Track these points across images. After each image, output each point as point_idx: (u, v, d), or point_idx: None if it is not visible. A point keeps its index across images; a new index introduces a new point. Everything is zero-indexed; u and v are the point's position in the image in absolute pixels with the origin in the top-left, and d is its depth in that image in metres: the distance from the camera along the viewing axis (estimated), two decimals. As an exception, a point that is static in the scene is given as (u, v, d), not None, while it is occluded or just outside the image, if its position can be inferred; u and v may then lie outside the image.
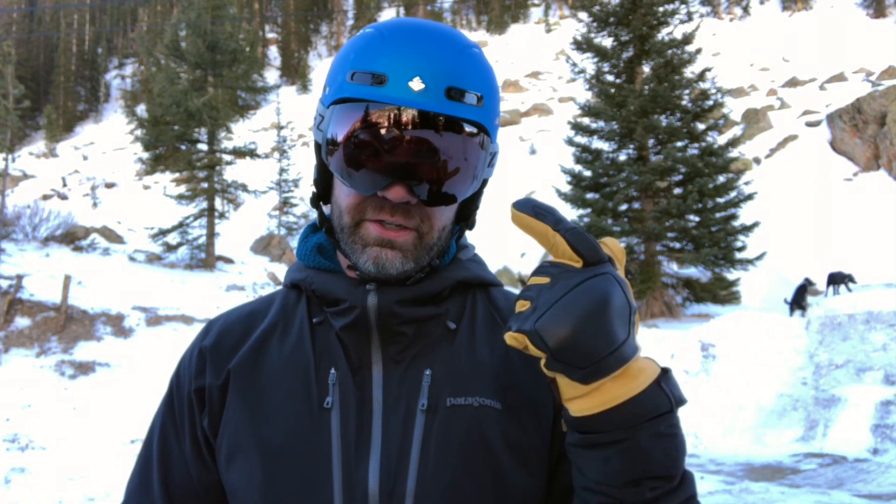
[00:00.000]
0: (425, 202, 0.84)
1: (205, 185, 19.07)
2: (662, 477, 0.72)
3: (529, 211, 0.75)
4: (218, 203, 20.64)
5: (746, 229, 14.91)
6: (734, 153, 17.72)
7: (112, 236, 20.32)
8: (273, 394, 0.89)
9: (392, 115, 0.80)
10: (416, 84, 0.80)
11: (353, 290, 0.89)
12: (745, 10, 60.49)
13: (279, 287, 1.03)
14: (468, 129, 0.83)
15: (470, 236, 1.04)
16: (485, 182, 0.91)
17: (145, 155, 19.87)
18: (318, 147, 0.90)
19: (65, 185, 38.86)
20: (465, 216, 0.94)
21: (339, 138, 0.83)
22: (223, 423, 0.91)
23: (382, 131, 0.80)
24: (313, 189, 0.95)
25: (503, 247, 20.80)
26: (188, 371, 0.95)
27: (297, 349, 0.91)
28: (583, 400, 0.72)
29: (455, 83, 0.81)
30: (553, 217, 0.74)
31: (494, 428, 0.86)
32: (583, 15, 17.16)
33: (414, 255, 0.87)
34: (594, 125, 16.53)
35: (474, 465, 0.85)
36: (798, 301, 13.28)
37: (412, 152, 0.81)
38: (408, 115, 0.80)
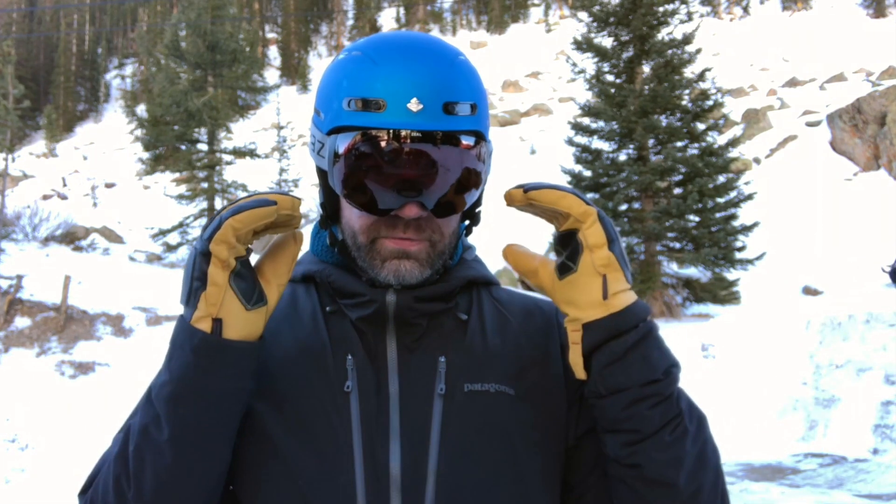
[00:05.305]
0: (436, 214, 0.87)
1: (205, 185, 19.07)
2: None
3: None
4: (218, 203, 20.61)
5: (746, 229, 14.89)
6: (734, 153, 17.68)
7: (112, 236, 20.33)
8: (289, 379, 0.90)
9: (396, 139, 0.83)
10: (414, 105, 0.82)
11: (371, 288, 0.93)
12: (745, 10, 60.46)
13: None
14: (467, 139, 0.86)
15: (471, 237, 1.07)
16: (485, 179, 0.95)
17: (145, 155, 19.89)
18: (320, 172, 0.92)
19: (65, 185, 38.78)
20: (471, 214, 0.98)
21: (346, 166, 0.85)
22: None
23: (387, 155, 0.83)
24: (320, 211, 0.98)
25: (503, 247, 20.77)
26: None
27: (312, 336, 0.93)
28: (626, 294, 0.84)
29: (450, 97, 0.84)
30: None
31: (509, 413, 0.91)
32: (583, 15, 17.13)
33: (429, 262, 0.91)
34: (594, 125, 16.50)
35: (492, 448, 0.89)
36: None
37: (419, 170, 0.83)
38: (410, 137, 0.83)
